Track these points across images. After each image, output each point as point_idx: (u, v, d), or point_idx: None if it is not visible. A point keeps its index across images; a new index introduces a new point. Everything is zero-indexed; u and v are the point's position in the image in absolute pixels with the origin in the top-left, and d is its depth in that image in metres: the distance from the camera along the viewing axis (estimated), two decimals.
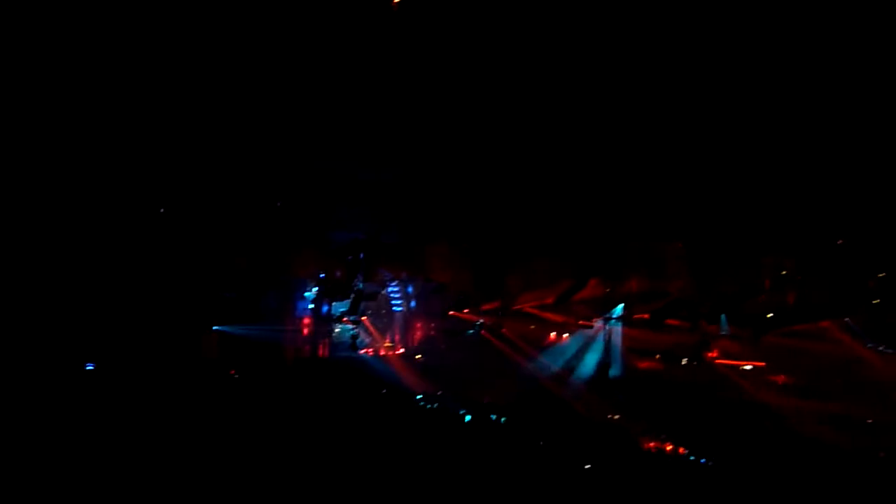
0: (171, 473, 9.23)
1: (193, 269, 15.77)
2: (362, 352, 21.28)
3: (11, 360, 12.02)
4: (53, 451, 9.40)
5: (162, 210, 15.20)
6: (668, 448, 14.46)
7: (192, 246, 15.61)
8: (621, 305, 18.64)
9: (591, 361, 19.87)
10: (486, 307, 20.31)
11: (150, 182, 14.05)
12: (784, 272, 17.47)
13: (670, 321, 18.62)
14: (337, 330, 21.29)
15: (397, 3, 10.21)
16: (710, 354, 18.39)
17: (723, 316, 18.57)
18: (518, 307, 20.07)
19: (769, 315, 18.41)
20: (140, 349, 14.25)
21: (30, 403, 11.05)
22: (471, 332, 21.14)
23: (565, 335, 20.78)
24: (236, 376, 16.75)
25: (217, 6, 10.21)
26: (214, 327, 16.98)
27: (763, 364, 18.46)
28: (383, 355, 21.92)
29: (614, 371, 19.34)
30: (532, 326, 20.66)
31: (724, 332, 18.33)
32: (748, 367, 18.96)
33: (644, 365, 19.48)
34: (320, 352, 20.50)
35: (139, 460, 9.51)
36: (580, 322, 19.85)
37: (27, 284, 12.66)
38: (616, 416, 17.35)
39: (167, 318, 15.12)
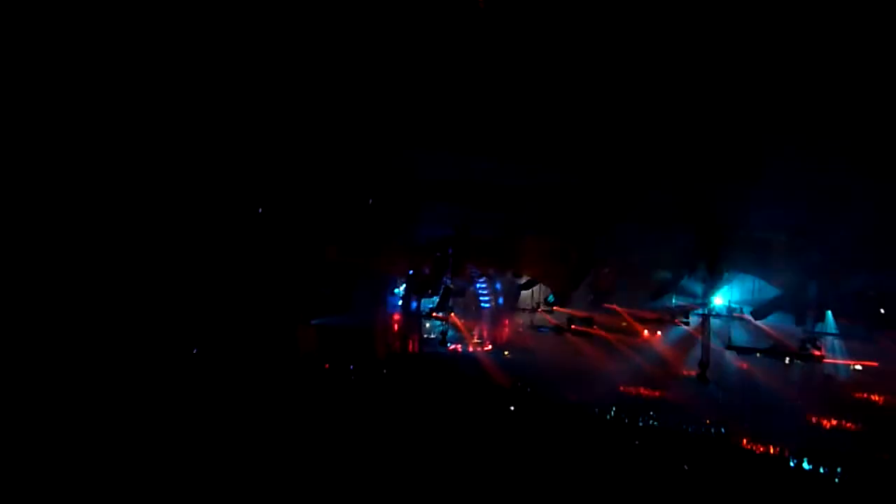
0: (269, 462, 9.46)
1: (292, 266, 16.23)
2: (451, 347, 21.37)
3: (116, 350, 12.65)
4: (159, 437, 9.83)
5: (260, 210, 15.74)
6: (769, 451, 13.77)
7: (291, 244, 16.07)
8: (723, 302, 17.95)
9: (686, 360, 19.22)
10: (577, 304, 19.99)
11: (254, 185, 14.55)
12: None
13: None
14: (426, 325, 21.48)
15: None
16: (816, 353, 17.41)
17: (829, 312, 17.62)
18: (612, 302, 19.66)
19: (882, 311, 17.37)
20: (244, 341, 14.79)
21: (133, 392, 11.62)
22: (556, 328, 20.85)
23: (659, 332, 20.20)
24: (330, 369, 17.10)
25: None
26: (312, 321, 17.41)
27: (875, 364, 17.40)
28: (472, 351, 21.96)
29: (712, 369, 18.59)
30: (624, 324, 20.19)
31: (832, 330, 17.39)
32: (859, 368, 17.94)
33: (745, 363, 18.71)
34: (410, 347, 20.70)
35: (238, 449, 9.80)
36: (676, 320, 19.22)
37: (140, 276, 13.31)
38: (712, 418, 16.72)
39: (270, 311, 15.62)
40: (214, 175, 13.54)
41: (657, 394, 18.69)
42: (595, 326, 19.98)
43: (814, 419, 16.00)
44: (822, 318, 17.00)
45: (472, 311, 22.52)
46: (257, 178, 14.54)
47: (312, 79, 12.42)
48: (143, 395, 11.40)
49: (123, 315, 12.52)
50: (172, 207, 13.05)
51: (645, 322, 20.14)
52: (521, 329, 22.38)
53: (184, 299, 13.59)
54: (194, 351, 13.03)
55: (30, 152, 10.87)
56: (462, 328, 22.09)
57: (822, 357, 17.23)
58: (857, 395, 17.94)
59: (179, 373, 13.19)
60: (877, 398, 17.75)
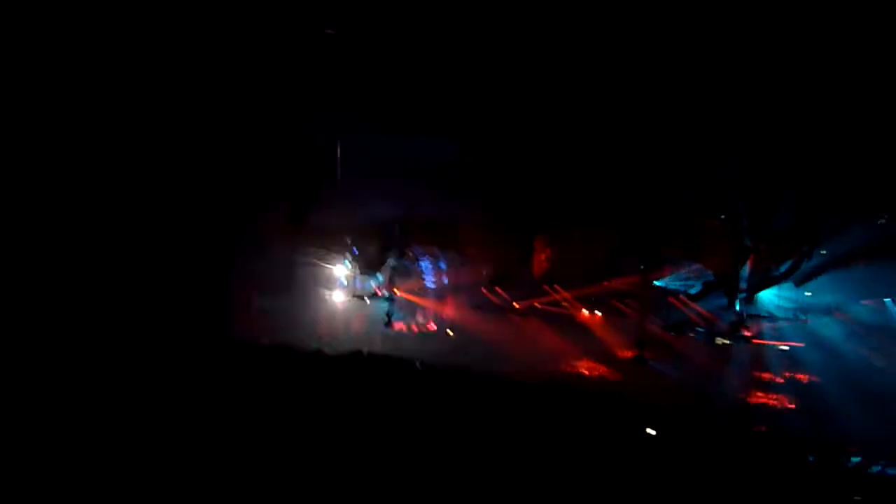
0: (208, 442, 9.35)
1: (226, 243, 15.95)
2: (395, 327, 21.40)
3: (51, 330, 12.26)
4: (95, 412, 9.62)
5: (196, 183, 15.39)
6: None
7: (226, 221, 15.78)
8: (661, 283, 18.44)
9: (625, 340, 19.68)
10: (519, 283, 20.21)
11: (185, 157, 14.18)
12: (823, 252, 17.06)
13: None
14: (370, 305, 21.43)
15: None
16: (746, 334, 18.08)
17: (759, 295, 18.25)
18: (552, 284, 19.96)
19: (807, 294, 18.12)
20: (173, 323, 14.46)
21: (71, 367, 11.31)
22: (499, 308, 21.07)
23: (598, 312, 20.61)
24: (268, 349, 16.94)
25: None
26: (250, 302, 17.20)
27: (802, 345, 18.14)
28: (416, 331, 22.04)
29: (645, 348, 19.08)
30: (565, 304, 20.53)
31: (762, 313, 18.03)
32: (785, 349, 18.65)
33: (678, 343, 19.26)
34: (353, 326, 20.64)
35: (172, 430, 9.65)
36: (613, 301, 19.67)
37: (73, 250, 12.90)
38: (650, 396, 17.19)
39: (202, 291, 15.33)
40: (142, 154, 13.17)
41: (595, 371, 19.18)
42: (536, 306, 20.29)
43: None
44: (751, 300, 17.60)
45: (417, 290, 22.54)
46: (189, 157, 14.22)
47: (247, 50, 12.19)
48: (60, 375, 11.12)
49: (33, 290, 12.12)
50: (91, 184, 12.65)
51: (585, 303, 20.54)
52: (465, 308, 22.51)
53: (106, 283, 13.20)
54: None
55: None
56: (406, 307, 22.12)
57: (752, 338, 17.88)
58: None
59: (101, 356, 12.87)
60: None
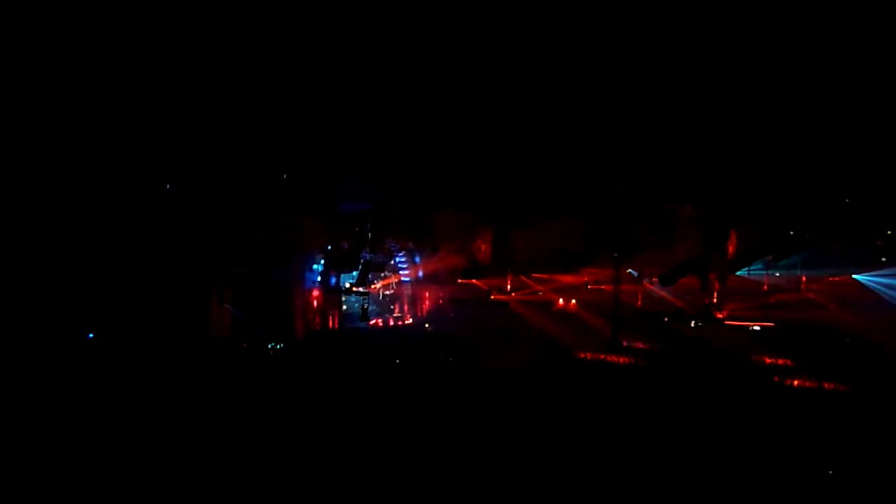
0: (186, 448, 9.29)
1: (202, 244, 15.74)
2: (372, 322, 21.31)
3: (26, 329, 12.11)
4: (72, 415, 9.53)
5: (168, 186, 15.16)
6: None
7: (200, 221, 15.56)
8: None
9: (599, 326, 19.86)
10: (495, 274, 20.27)
11: (157, 159, 13.96)
12: (792, 233, 17.41)
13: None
14: (346, 301, 21.31)
15: None
16: (719, 315, 18.37)
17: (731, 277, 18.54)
18: (528, 273, 20.07)
19: (777, 275, 18.51)
20: (151, 324, 14.29)
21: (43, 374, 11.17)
22: (475, 300, 21.13)
23: (574, 300, 20.78)
24: (247, 348, 16.82)
25: None
26: (226, 304, 16.97)
27: (773, 325, 18.49)
28: (393, 325, 21.98)
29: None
30: (541, 292, 20.66)
31: (734, 294, 18.34)
32: (757, 328, 19.00)
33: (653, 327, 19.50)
34: (330, 324, 20.51)
35: (151, 436, 9.58)
36: (590, 286, 19.84)
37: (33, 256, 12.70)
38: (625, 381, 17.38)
39: (177, 293, 15.15)
40: (116, 146, 12.92)
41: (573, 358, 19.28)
42: (513, 297, 20.39)
43: None
44: (723, 282, 17.90)
45: (393, 284, 22.50)
46: (166, 156, 14.00)
47: (218, 47, 12.02)
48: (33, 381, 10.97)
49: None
50: (68, 181, 12.42)
51: (562, 291, 20.71)
52: (441, 301, 22.54)
53: (81, 281, 13.00)
54: (90, 336, 12.38)
55: None
56: (383, 302, 22.06)
57: (724, 319, 18.20)
58: None
59: (77, 358, 12.68)
60: None
